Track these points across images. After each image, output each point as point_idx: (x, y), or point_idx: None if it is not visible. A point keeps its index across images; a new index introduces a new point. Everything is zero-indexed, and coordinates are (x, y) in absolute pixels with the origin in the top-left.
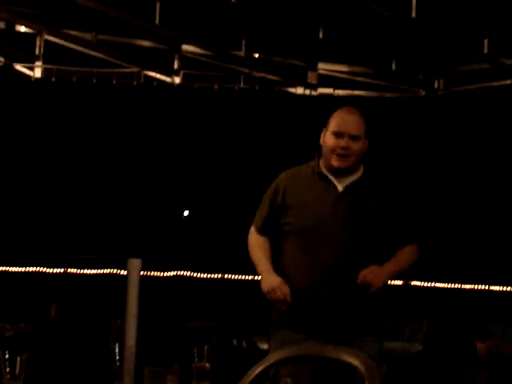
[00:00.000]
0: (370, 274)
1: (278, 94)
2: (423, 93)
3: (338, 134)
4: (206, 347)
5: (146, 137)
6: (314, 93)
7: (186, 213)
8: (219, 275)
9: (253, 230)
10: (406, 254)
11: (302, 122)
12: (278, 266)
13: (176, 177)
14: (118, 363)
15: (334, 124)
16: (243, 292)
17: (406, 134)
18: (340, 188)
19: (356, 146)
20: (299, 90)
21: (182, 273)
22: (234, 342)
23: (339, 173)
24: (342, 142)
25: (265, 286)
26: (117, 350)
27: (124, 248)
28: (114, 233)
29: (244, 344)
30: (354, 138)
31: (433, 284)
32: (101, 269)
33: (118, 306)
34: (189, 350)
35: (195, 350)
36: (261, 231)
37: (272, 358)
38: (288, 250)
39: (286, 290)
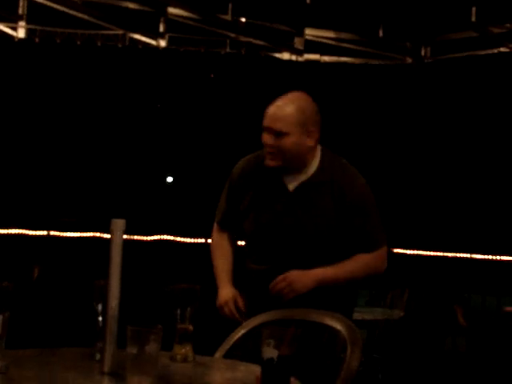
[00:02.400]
0: (281, 282)
1: (264, 59)
2: (410, 60)
3: (265, 129)
4: (188, 309)
5: (129, 99)
6: (300, 59)
7: (169, 179)
8: (203, 240)
9: (215, 224)
10: (354, 261)
11: (287, 88)
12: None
13: (160, 141)
14: (100, 323)
15: (264, 116)
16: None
17: (392, 103)
18: (291, 187)
19: (284, 143)
20: (285, 56)
21: (165, 237)
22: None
23: (287, 170)
24: (267, 139)
25: (217, 302)
26: (100, 311)
27: (107, 211)
28: (97, 196)
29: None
30: (278, 134)
31: (415, 252)
32: (84, 232)
33: (102, 268)
34: (172, 312)
35: (178, 311)
36: (221, 226)
37: (255, 320)
38: (247, 248)
39: (232, 306)
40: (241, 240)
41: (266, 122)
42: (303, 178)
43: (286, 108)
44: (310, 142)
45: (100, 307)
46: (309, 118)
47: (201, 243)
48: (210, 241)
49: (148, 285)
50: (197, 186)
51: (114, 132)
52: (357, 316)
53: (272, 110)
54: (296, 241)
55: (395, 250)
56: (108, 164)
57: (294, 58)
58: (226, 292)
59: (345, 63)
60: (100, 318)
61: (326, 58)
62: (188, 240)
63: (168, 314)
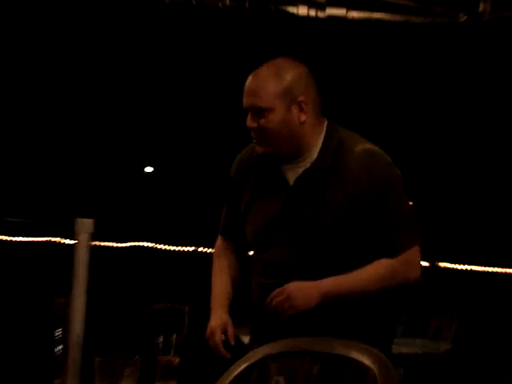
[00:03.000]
0: (278, 296)
1: (273, 14)
2: (464, 18)
3: (246, 110)
4: (174, 336)
5: (109, 61)
6: (321, 14)
7: (148, 169)
8: (192, 248)
9: (218, 235)
10: (372, 268)
11: (304, 52)
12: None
13: (135, 120)
14: (60, 354)
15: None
16: None
17: (440, 73)
18: (291, 180)
19: (267, 122)
20: (302, 11)
21: (144, 244)
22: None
23: (283, 159)
24: (248, 121)
25: (209, 325)
26: (59, 337)
27: (70, 210)
28: (56, 190)
29: (223, 337)
30: (258, 112)
31: (468, 267)
32: (39, 236)
33: (62, 282)
34: (153, 340)
35: (160, 339)
36: (223, 235)
37: (259, 352)
38: (253, 259)
39: (217, 337)
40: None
41: (243, 100)
42: (303, 167)
43: (261, 78)
44: (302, 117)
45: (60, 333)
46: (294, 85)
47: (189, 252)
48: (200, 249)
49: (122, 304)
50: (185, 178)
51: (75, 110)
52: (391, 349)
53: (246, 84)
54: (302, 247)
55: (441, 265)
56: (69, 150)
57: (313, 13)
58: (214, 320)
59: (378, 21)
60: (59, 347)
61: (354, 14)
62: (173, 248)
63: (148, 342)
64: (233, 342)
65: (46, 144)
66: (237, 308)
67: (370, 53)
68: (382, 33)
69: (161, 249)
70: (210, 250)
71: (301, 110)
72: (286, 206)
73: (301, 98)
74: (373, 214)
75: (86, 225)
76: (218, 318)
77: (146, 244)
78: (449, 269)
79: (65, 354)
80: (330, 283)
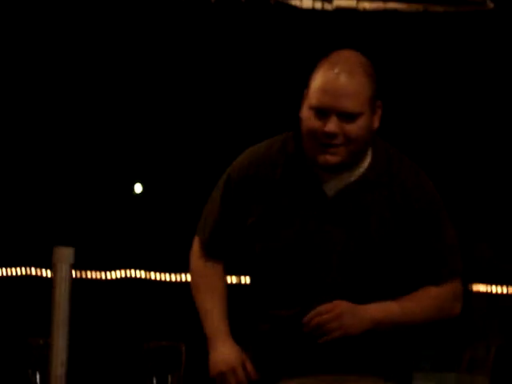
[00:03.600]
0: (327, 314)
1: (274, 7)
2: (491, 5)
3: (319, 112)
4: (169, 377)
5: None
6: (328, 6)
7: (138, 187)
8: (189, 276)
9: (197, 246)
10: (424, 296)
11: (309, 49)
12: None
13: (125, 132)
14: None
15: (313, 91)
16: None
17: (463, 68)
18: (331, 192)
19: (354, 129)
20: (306, 3)
21: (134, 273)
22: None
23: (330, 168)
24: (329, 126)
25: (212, 367)
26: (38, 382)
27: (47, 237)
28: (32, 213)
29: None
30: (348, 116)
31: (505, 289)
32: (11, 267)
33: (40, 320)
34: (145, 382)
35: (154, 381)
36: (207, 248)
37: None
38: (261, 286)
39: (241, 375)
40: (248, 272)
41: (326, 101)
42: (349, 177)
43: (354, 77)
44: (377, 123)
45: (38, 377)
46: (376, 88)
47: (185, 282)
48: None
49: (111, 343)
50: (179, 197)
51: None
52: None
53: (333, 81)
54: (339, 270)
55: (475, 288)
56: (47, 165)
57: (318, 5)
58: (228, 352)
59: (393, 11)
60: None
61: (366, 5)
62: (167, 277)
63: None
64: (255, 378)
65: (18, 153)
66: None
67: (385, 47)
68: (397, 25)
69: (152, 279)
70: None
71: (376, 115)
72: (322, 224)
73: (379, 102)
74: (422, 236)
75: (65, 254)
76: (231, 351)
77: (135, 273)
78: (484, 293)
79: None
80: (381, 310)
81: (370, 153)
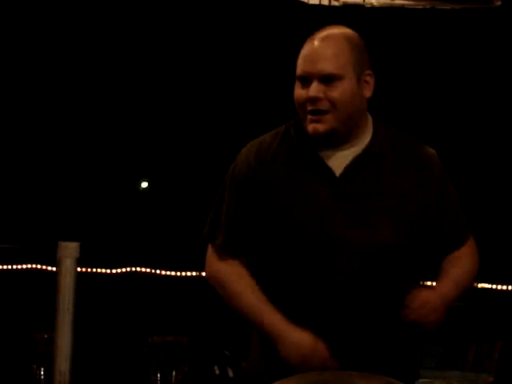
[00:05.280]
0: (421, 307)
1: (280, 2)
2: (499, 3)
3: (302, 79)
4: (174, 373)
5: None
6: (335, 2)
7: (144, 184)
8: (194, 273)
9: (212, 252)
10: (461, 266)
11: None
12: None
13: (129, 128)
14: None
15: (298, 63)
16: None
17: (471, 66)
18: (338, 170)
19: (337, 93)
20: None
21: (138, 269)
22: (216, 371)
23: (330, 143)
24: (311, 90)
25: (293, 355)
26: (42, 377)
27: (52, 233)
28: (36, 210)
29: (230, 373)
30: (327, 78)
31: (509, 287)
32: (17, 263)
33: (44, 315)
34: (149, 377)
35: (158, 376)
36: (227, 250)
37: None
38: (272, 274)
39: (323, 353)
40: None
41: (306, 67)
42: (353, 153)
43: (333, 42)
44: (368, 92)
45: (42, 372)
46: (365, 56)
47: (190, 277)
48: (204, 274)
49: (115, 338)
50: (185, 194)
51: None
52: (424, 383)
53: (312, 48)
54: (360, 249)
55: (480, 285)
56: (52, 163)
57: (326, 1)
58: (301, 336)
59: (401, 8)
60: None
61: (374, 1)
62: (171, 273)
63: (144, 381)
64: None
65: (22, 150)
66: (248, 336)
67: (392, 44)
68: (405, 21)
69: (157, 274)
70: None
71: (367, 83)
72: (332, 202)
73: (369, 71)
74: (436, 200)
75: (69, 249)
76: (302, 333)
77: (139, 269)
78: (488, 289)
79: None
80: (446, 290)
81: (370, 128)
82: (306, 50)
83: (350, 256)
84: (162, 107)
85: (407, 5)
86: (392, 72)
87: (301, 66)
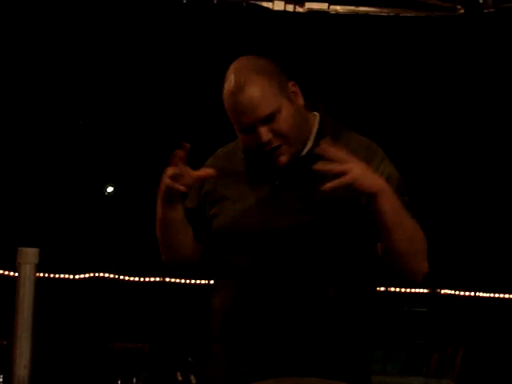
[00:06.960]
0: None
1: (245, 9)
2: (462, 10)
3: (246, 130)
4: (134, 380)
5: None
6: (300, 9)
7: (109, 189)
8: (157, 278)
9: None
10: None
11: (280, 52)
12: None
13: (94, 131)
14: None
15: (230, 116)
16: (192, 302)
17: (435, 71)
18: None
19: (280, 125)
20: (278, 5)
21: (102, 274)
22: (179, 377)
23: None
24: (261, 137)
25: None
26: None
27: (12, 238)
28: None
29: (193, 380)
30: (267, 119)
31: (474, 293)
32: None
33: (3, 322)
34: (111, 381)
35: (118, 382)
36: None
37: None
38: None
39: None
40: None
41: (244, 120)
42: (303, 149)
43: (253, 85)
44: (300, 99)
45: (1, 379)
46: (280, 76)
47: (154, 282)
48: (167, 279)
49: (75, 344)
50: (151, 199)
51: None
52: None
53: (238, 101)
54: (295, 243)
55: (443, 291)
56: (11, 166)
57: (290, 7)
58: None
59: (365, 15)
60: None
61: (338, 8)
62: (135, 279)
63: None
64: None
65: None
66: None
67: (357, 50)
68: (369, 28)
69: (119, 279)
70: (177, 281)
71: (295, 93)
72: (272, 198)
73: (290, 83)
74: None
75: (29, 255)
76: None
77: (101, 274)
78: (451, 295)
79: None
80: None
81: (315, 128)
82: (233, 105)
83: (273, 241)
84: (130, 110)
85: (372, 12)
86: (355, 77)
87: (238, 121)
